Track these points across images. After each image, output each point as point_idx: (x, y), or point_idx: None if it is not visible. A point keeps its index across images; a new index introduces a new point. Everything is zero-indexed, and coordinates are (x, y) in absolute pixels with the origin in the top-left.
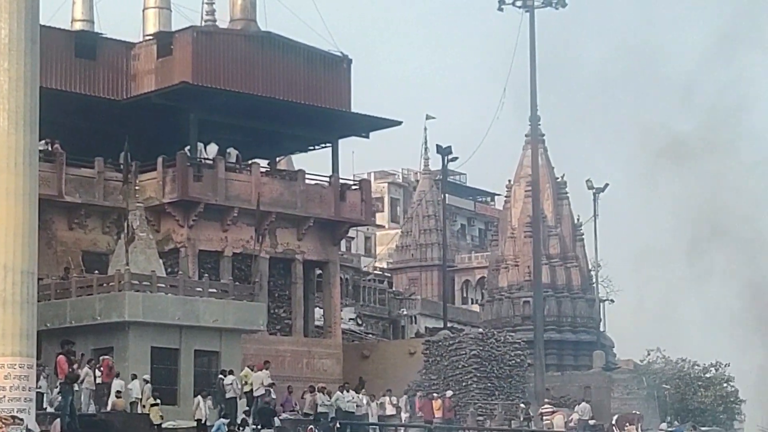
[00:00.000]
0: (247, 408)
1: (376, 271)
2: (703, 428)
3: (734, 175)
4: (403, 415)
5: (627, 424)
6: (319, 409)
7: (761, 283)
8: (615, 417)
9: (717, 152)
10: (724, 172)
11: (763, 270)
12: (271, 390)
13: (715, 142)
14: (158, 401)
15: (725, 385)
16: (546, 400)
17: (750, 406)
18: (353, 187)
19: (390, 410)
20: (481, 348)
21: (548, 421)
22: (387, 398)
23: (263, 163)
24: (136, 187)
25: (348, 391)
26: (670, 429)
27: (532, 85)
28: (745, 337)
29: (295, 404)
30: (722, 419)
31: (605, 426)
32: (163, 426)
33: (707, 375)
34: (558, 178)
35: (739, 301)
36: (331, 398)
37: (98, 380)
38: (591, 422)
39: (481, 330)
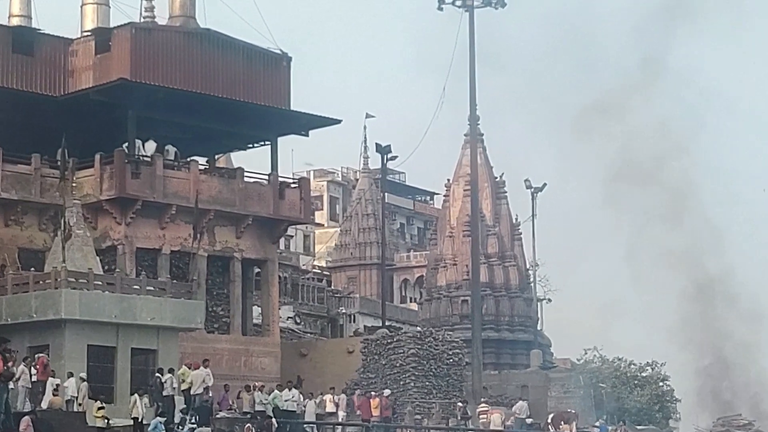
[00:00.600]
0: (184, 406)
1: (314, 270)
2: (638, 427)
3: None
4: (341, 414)
5: (562, 422)
6: (257, 408)
7: (700, 283)
8: (551, 415)
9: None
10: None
11: (701, 269)
12: (209, 388)
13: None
14: (104, 405)
15: (661, 384)
16: (483, 399)
17: (685, 405)
18: (292, 186)
19: (331, 408)
20: (419, 347)
21: (486, 420)
22: (329, 396)
23: (202, 160)
24: (74, 184)
25: (290, 390)
26: (596, 425)
27: (471, 84)
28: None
29: (232, 403)
30: (658, 418)
31: (542, 424)
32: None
33: (643, 374)
34: (497, 178)
35: (677, 300)
36: (268, 397)
37: (34, 378)
38: (528, 421)
39: (419, 329)
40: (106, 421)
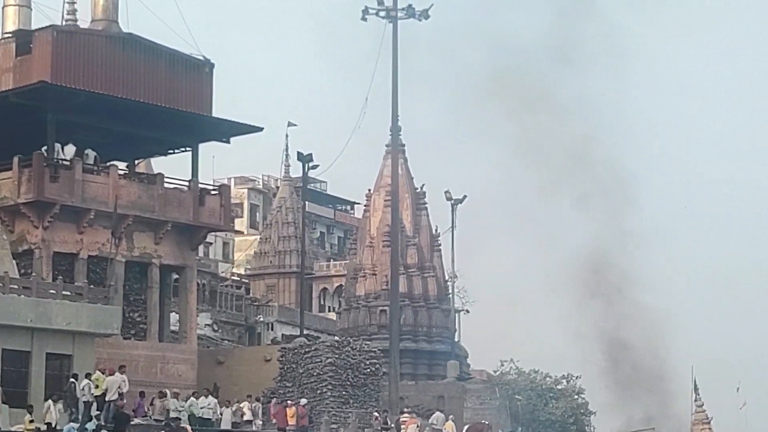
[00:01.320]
0: (98, 412)
1: (233, 277)
2: None
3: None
4: (257, 422)
5: None
6: (171, 415)
7: (612, 297)
8: (465, 427)
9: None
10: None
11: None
12: (123, 395)
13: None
14: (33, 418)
15: (576, 396)
16: (405, 409)
17: (600, 419)
18: (212, 192)
19: (248, 416)
20: (336, 356)
21: (403, 430)
22: (246, 404)
23: (122, 165)
24: None
25: (207, 397)
26: None
27: (393, 95)
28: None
29: (148, 410)
30: (572, 431)
31: None
32: (13, 430)
33: (559, 387)
34: (417, 189)
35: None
36: (184, 404)
37: None
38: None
39: (337, 338)
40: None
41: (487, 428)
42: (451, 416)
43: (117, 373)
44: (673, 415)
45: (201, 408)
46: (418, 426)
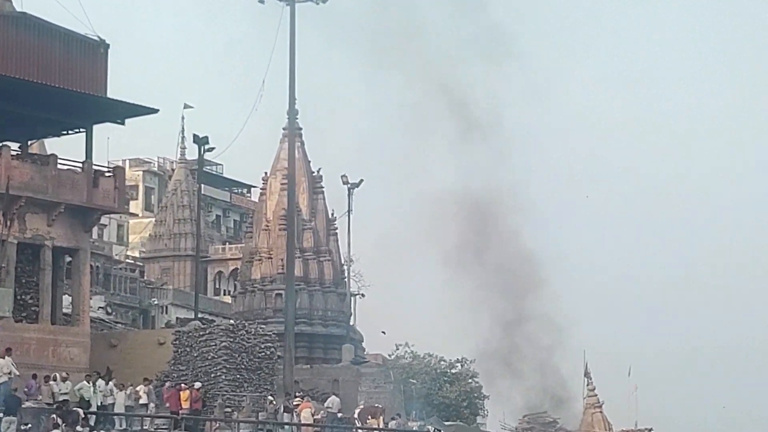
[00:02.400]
0: None
1: (128, 260)
2: (446, 423)
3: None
4: (150, 405)
5: (369, 416)
6: (61, 398)
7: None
8: (357, 410)
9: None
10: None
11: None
12: (12, 378)
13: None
14: None
15: (470, 380)
16: (297, 393)
17: (492, 402)
18: (107, 174)
19: (144, 400)
20: (231, 339)
21: (297, 414)
22: (142, 387)
23: (14, 146)
24: None
25: (98, 381)
26: (415, 422)
27: (291, 78)
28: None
29: (39, 392)
30: (466, 414)
31: (350, 419)
32: None
33: (453, 370)
34: (314, 173)
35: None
36: (74, 387)
37: None
38: (339, 415)
39: (232, 322)
40: None
41: (380, 411)
42: (306, 397)
43: (6, 356)
44: (566, 399)
45: (93, 392)
46: (312, 410)
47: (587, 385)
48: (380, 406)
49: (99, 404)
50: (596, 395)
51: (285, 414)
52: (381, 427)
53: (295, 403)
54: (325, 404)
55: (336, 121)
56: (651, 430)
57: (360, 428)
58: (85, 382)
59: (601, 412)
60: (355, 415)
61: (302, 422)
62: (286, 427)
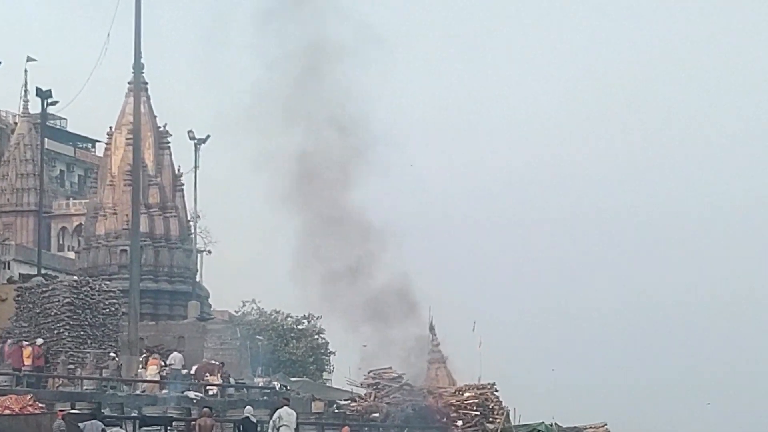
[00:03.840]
0: None
1: None
2: (293, 379)
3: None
4: None
5: (207, 374)
6: None
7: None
8: (194, 367)
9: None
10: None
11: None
12: None
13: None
14: None
15: (316, 337)
16: (144, 349)
17: (339, 358)
18: None
19: None
20: (74, 296)
21: (142, 371)
22: None
23: None
24: None
25: None
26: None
27: (136, 32)
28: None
29: None
30: (312, 370)
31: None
32: None
33: (300, 327)
34: (160, 128)
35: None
36: None
37: None
38: (184, 372)
39: (75, 278)
40: None
41: (217, 368)
42: (220, 363)
43: None
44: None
45: None
46: (158, 366)
47: (432, 340)
48: (217, 362)
49: None
50: (440, 351)
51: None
52: (219, 383)
53: (140, 359)
54: (168, 361)
55: (182, 77)
56: (494, 384)
57: (203, 384)
58: None
59: (445, 367)
60: (192, 372)
61: (149, 379)
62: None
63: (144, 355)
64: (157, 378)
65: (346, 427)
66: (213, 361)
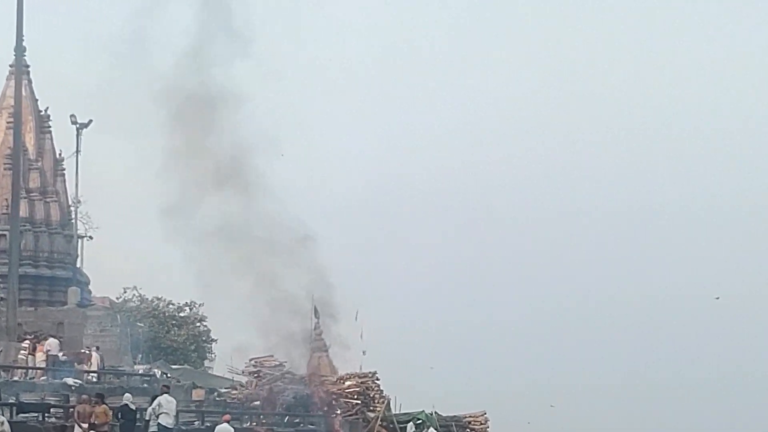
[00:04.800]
0: None
1: None
2: (174, 366)
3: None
4: None
5: (76, 364)
6: None
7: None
8: (62, 354)
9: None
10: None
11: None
12: None
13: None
14: None
15: (198, 324)
16: (26, 336)
17: (220, 346)
18: None
19: None
20: None
21: (24, 357)
22: None
23: None
24: None
25: None
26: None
27: (18, 14)
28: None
29: None
30: (193, 358)
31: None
32: None
33: (181, 314)
34: (41, 112)
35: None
36: None
37: None
38: (63, 358)
39: None
40: None
41: (86, 358)
42: (95, 347)
43: None
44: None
45: None
46: (44, 353)
47: (314, 328)
48: (87, 351)
49: None
50: (323, 339)
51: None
52: (94, 370)
53: (24, 345)
54: (44, 347)
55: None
56: (375, 373)
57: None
58: None
59: (327, 356)
60: (61, 358)
61: (31, 366)
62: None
63: (28, 340)
64: (43, 364)
65: (227, 415)
66: (82, 350)
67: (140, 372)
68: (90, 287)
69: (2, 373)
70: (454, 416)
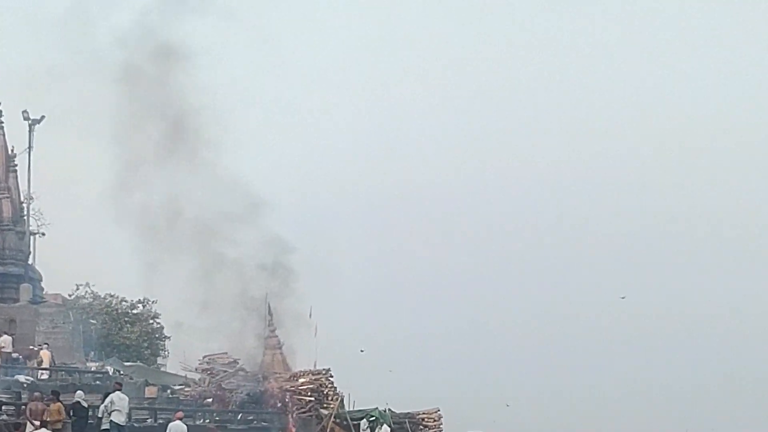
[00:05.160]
0: None
1: None
2: (126, 363)
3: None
4: None
5: (27, 361)
6: None
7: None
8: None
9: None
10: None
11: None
12: None
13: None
14: None
15: (151, 321)
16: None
17: (173, 342)
18: None
19: None
20: None
21: None
22: None
23: None
24: None
25: None
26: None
27: None
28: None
29: None
30: (147, 355)
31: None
32: None
33: (134, 311)
34: None
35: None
36: None
37: None
38: (14, 355)
39: None
40: None
41: (34, 354)
42: (45, 344)
43: None
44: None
45: None
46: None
47: (268, 326)
48: (35, 347)
49: None
50: (277, 336)
51: None
52: (46, 367)
53: None
54: None
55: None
56: (329, 370)
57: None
58: None
59: (281, 353)
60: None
61: None
62: None
63: None
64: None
65: (180, 413)
66: (30, 347)
67: (93, 369)
68: (42, 284)
69: None
70: (408, 413)
